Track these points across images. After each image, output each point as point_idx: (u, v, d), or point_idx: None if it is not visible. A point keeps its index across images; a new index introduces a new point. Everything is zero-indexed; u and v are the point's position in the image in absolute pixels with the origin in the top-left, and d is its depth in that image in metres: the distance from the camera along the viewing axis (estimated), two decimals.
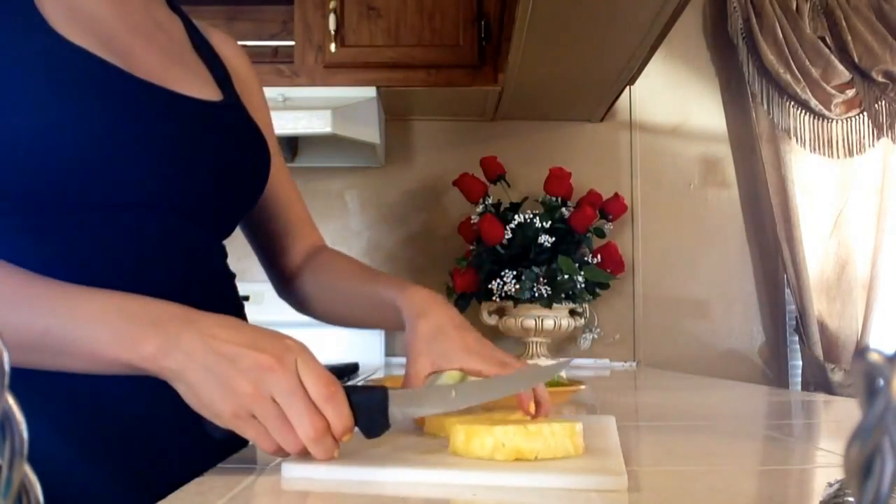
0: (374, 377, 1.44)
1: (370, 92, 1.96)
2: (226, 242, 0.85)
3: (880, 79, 2.26)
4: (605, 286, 2.03)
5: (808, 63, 2.25)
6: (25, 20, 0.64)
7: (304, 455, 0.52)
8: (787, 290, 2.32)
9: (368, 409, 0.55)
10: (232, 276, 0.83)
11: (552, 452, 0.53)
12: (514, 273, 1.93)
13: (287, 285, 0.93)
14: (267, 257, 0.94)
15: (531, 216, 1.97)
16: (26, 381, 0.58)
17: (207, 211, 0.75)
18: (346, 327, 0.90)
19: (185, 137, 0.71)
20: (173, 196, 0.70)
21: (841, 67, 2.27)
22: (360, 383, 1.53)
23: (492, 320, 2.03)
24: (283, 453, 0.53)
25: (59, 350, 0.56)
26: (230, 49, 0.90)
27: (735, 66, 2.35)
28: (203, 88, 0.77)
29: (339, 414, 0.52)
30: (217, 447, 0.60)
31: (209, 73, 0.81)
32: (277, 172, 0.88)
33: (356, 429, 0.55)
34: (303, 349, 0.54)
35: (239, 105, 0.82)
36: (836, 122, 2.30)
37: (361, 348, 2.14)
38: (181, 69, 0.77)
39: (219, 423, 0.53)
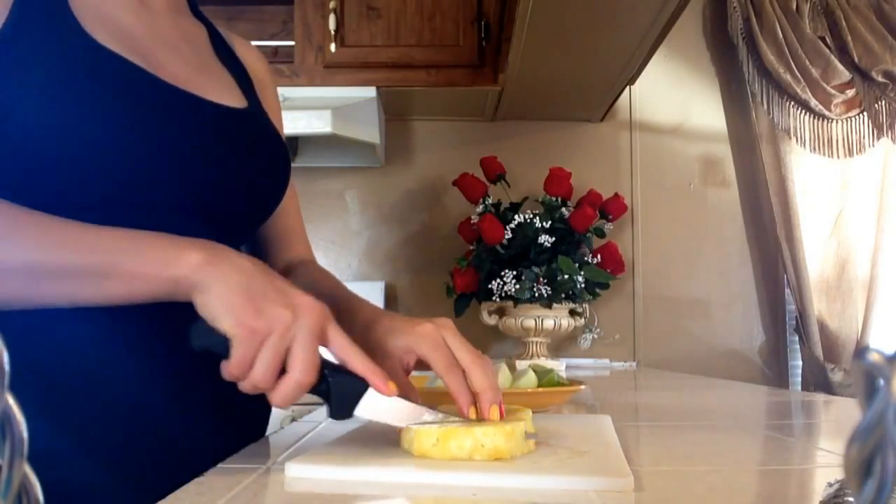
0: None
1: (370, 92, 1.97)
2: None
3: (880, 79, 2.26)
4: (605, 286, 2.03)
5: (808, 63, 2.25)
6: (60, 23, 0.65)
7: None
8: (787, 290, 2.33)
9: (344, 392, 0.56)
10: None
11: (520, 450, 0.54)
12: (514, 273, 1.93)
13: None
14: (252, 253, 0.93)
15: (531, 216, 1.97)
16: (30, 378, 0.58)
17: (229, 215, 0.76)
18: None
19: (211, 142, 0.72)
20: (196, 199, 0.71)
21: (841, 67, 2.27)
22: None
23: (492, 320, 2.03)
24: (239, 380, 0.54)
25: (106, 273, 0.56)
26: (251, 54, 0.91)
27: (735, 66, 2.35)
28: (229, 95, 0.78)
29: (365, 359, 0.55)
30: (217, 445, 0.60)
31: (233, 80, 0.82)
32: None
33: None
34: (334, 319, 0.57)
35: (262, 112, 0.83)
36: (836, 122, 2.30)
37: None
38: (207, 78, 0.77)
39: (226, 328, 0.52)
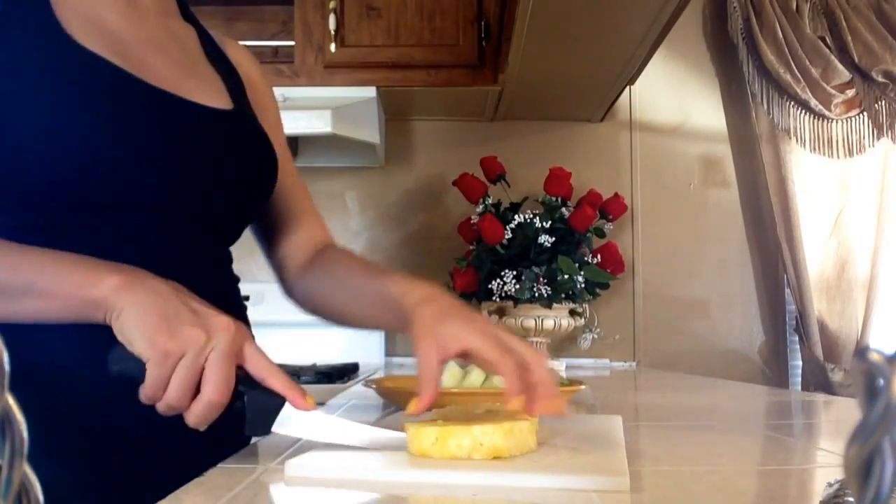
0: (374, 377, 1.44)
1: (370, 92, 1.96)
2: None
3: (880, 79, 2.26)
4: (605, 286, 2.02)
5: (808, 63, 2.25)
6: (41, 24, 0.65)
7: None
8: (787, 290, 2.32)
9: (262, 408, 0.56)
10: (236, 279, 0.84)
11: (520, 449, 0.54)
12: (514, 273, 1.93)
13: (291, 281, 0.89)
14: (269, 249, 0.91)
15: (531, 216, 1.97)
16: (20, 387, 0.58)
17: (213, 215, 0.76)
18: (349, 327, 0.87)
19: (193, 143, 0.72)
20: (179, 199, 0.71)
21: (841, 67, 2.27)
22: (360, 383, 1.53)
23: (492, 320, 2.03)
24: (155, 402, 0.55)
25: (25, 291, 0.57)
26: (243, 57, 0.91)
27: (735, 66, 2.35)
28: (215, 97, 0.78)
29: (283, 376, 0.56)
30: (213, 448, 0.60)
31: (222, 83, 0.82)
32: (284, 166, 0.87)
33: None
34: (252, 338, 0.58)
35: (249, 114, 0.83)
36: (836, 122, 2.30)
37: (361, 348, 2.14)
38: (194, 79, 0.77)
39: (140, 350, 0.53)
